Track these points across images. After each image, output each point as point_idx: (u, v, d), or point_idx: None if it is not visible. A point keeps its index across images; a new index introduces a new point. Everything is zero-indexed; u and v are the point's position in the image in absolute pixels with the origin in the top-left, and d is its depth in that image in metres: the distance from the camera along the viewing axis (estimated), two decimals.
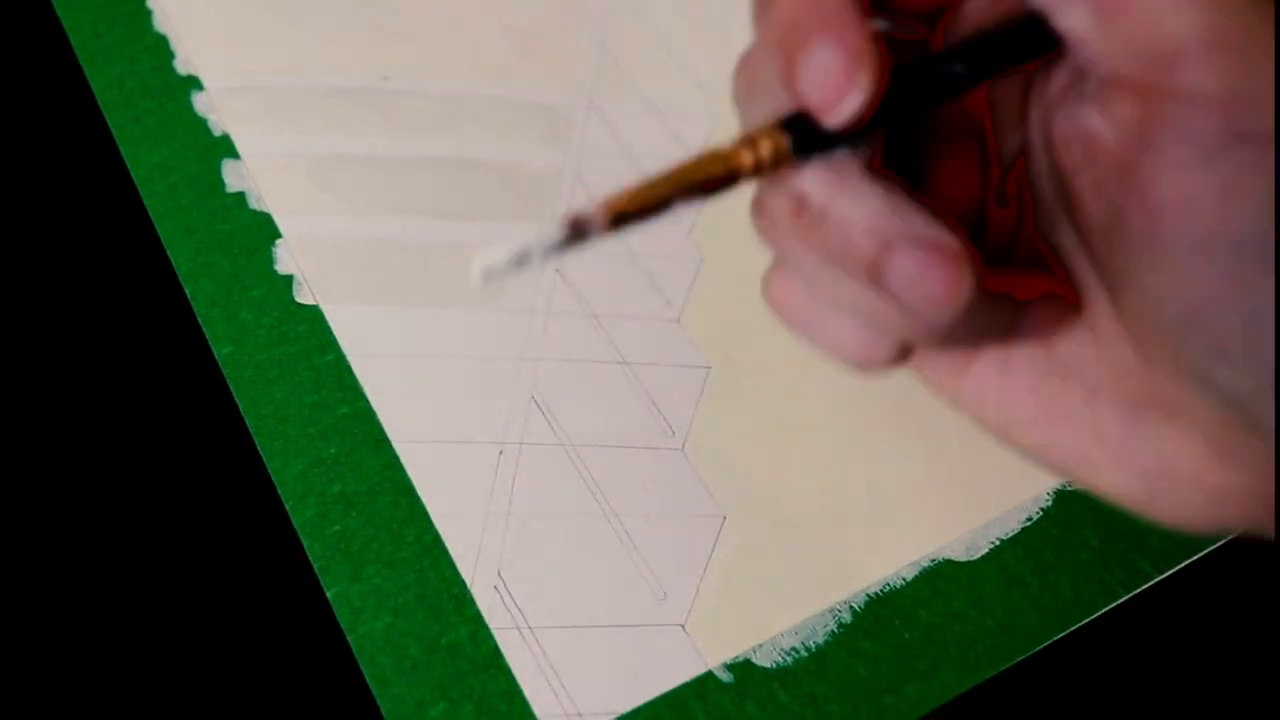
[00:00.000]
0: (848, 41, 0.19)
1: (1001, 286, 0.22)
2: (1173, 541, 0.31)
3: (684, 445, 0.32)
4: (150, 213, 0.35)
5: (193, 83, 0.38)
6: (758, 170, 0.21)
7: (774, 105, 0.21)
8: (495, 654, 0.29)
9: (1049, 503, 0.32)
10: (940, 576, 0.31)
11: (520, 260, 0.20)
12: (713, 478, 0.32)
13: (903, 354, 0.21)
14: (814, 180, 0.20)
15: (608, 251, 0.36)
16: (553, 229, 0.20)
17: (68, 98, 0.38)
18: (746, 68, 0.22)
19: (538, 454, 0.32)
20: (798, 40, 0.20)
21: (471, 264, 0.20)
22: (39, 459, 0.32)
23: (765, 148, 0.21)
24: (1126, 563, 0.31)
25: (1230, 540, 0.31)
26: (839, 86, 0.19)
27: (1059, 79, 0.20)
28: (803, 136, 0.20)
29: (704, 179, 0.21)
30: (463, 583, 0.30)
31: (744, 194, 0.31)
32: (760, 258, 0.32)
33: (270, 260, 0.35)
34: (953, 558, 0.31)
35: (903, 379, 0.33)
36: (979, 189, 0.23)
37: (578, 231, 0.20)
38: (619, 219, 0.20)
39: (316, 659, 0.29)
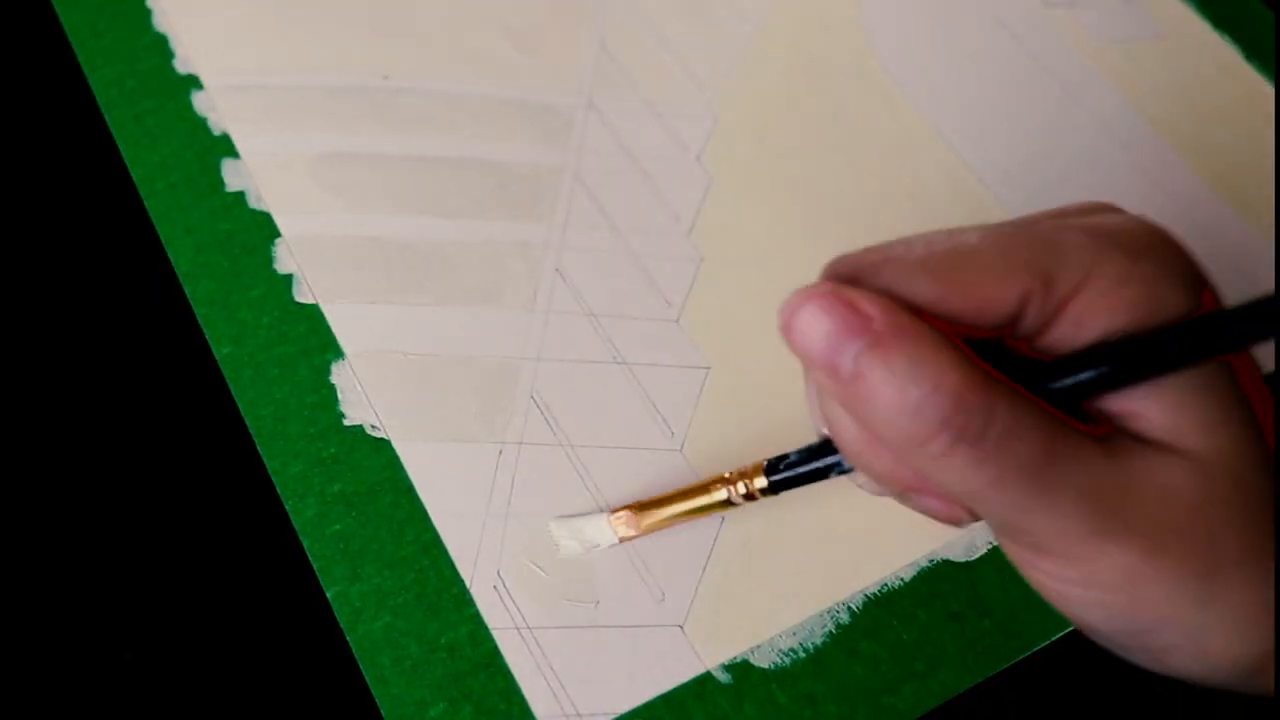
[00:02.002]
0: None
1: None
2: None
3: (683, 446, 0.32)
4: (150, 212, 0.35)
5: (192, 82, 0.38)
6: (747, 497, 0.28)
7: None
8: (495, 654, 0.29)
9: None
10: (938, 577, 0.31)
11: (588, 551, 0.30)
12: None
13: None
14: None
15: (607, 252, 0.36)
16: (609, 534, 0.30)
17: (67, 97, 0.38)
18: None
19: (537, 454, 0.32)
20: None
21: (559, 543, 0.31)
22: (38, 459, 0.32)
23: (753, 483, 0.28)
24: None
25: None
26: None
27: None
28: (778, 481, 0.27)
29: (706, 504, 0.29)
30: (462, 583, 0.30)
31: (743, 187, 0.32)
32: (760, 259, 0.32)
33: (270, 259, 0.35)
34: (951, 558, 0.31)
35: None
36: None
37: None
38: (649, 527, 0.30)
39: (316, 659, 0.29)
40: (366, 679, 0.29)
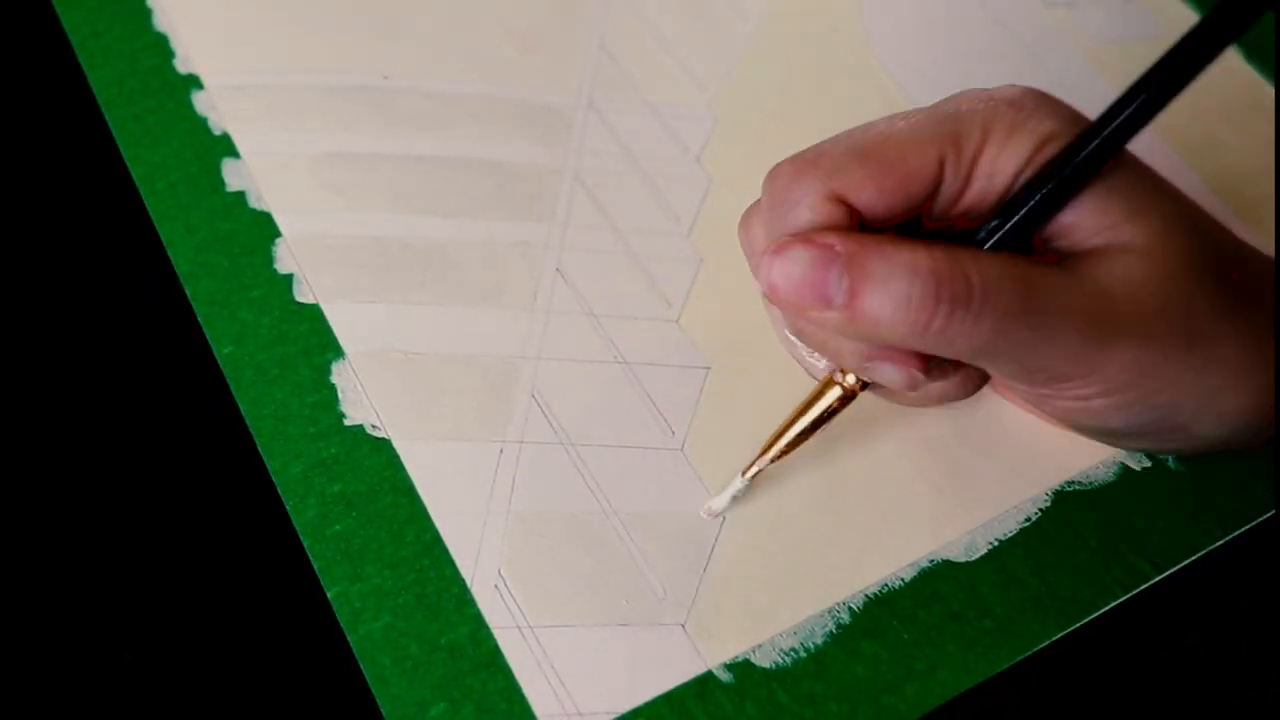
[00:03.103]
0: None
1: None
2: (1171, 541, 0.31)
3: (684, 445, 0.32)
4: (150, 212, 0.35)
5: (193, 81, 0.38)
6: (855, 393, 0.29)
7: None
8: (495, 653, 0.29)
9: (1048, 503, 0.32)
10: (939, 577, 0.31)
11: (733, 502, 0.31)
12: (713, 478, 0.32)
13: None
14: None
15: (607, 252, 0.36)
16: (740, 482, 0.30)
17: (67, 97, 0.38)
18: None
19: (538, 453, 0.32)
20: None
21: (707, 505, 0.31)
22: (39, 459, 0.32)
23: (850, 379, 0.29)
24: (1125, 563, 0.31)
25: (1229, 540, 0.32)
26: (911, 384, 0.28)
27: None
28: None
29: (825, 412, 0.30)
30: (463, 582, 0.30)
31: (743, 188, 0.32)
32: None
33: (270, 259, 0.35)
34: (951, 558, 0.31)
35: None
36: None
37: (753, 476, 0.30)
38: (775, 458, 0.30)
39: (316, 659, 0.29)
40: (367, 679, 0.29)
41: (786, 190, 0.27)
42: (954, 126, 0.26)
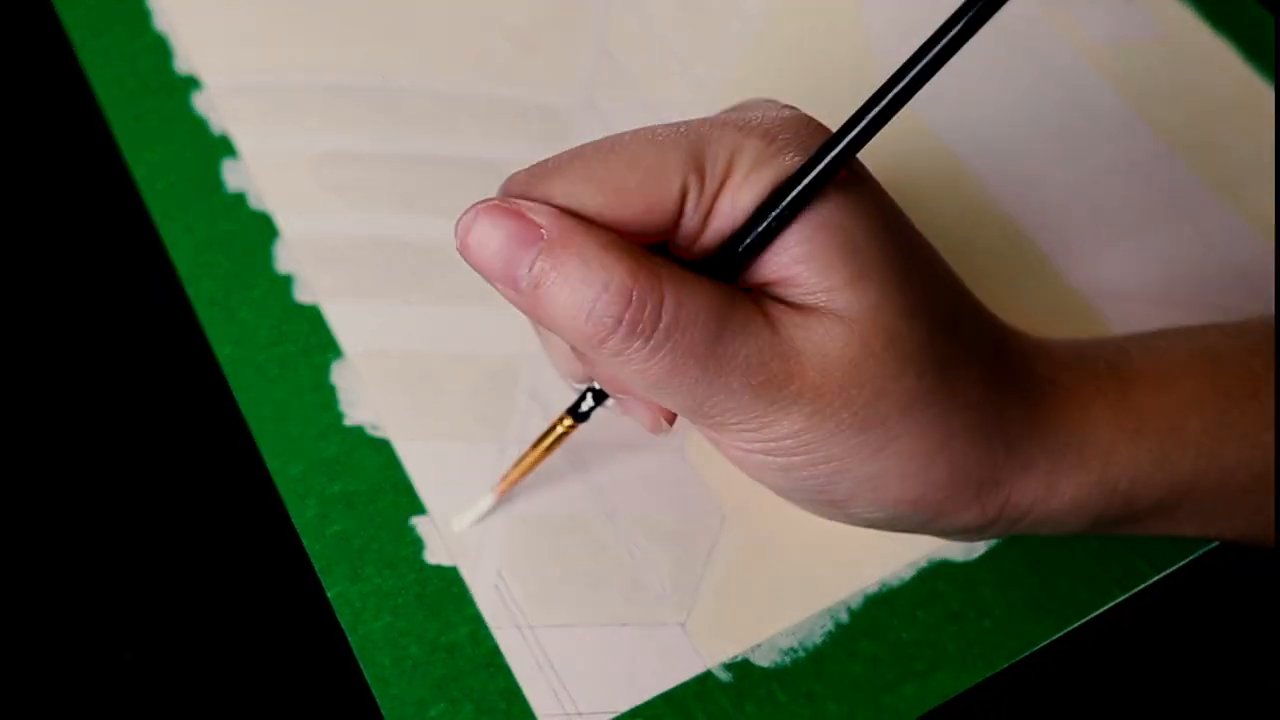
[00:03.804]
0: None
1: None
2: (1171, 542, 0.31)
3: (684, 445, 0.32)
4: (150, 212, 0.35)
5: (192, 82, 0.38)
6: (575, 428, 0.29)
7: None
8: (495, 653, 0.29)
9: None
10: (938, 577, 0.31)
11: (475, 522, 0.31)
12: (712, 478, 0.32)
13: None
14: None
15: None
16: (487, 502, 0.31)
17: (68, 97, 0.38)
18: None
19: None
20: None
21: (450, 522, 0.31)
22: (39, 458, 0.32)
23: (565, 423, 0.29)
24: (1124, 563, 0.31)
25: (1227, 542, 0.32)
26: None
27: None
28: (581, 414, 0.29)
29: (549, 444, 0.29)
30: (463, 582, 0.30)
31: None
32: None
33: (270, 259, 0.35)
34: (950, 558, 0.31)
35: None
36: None
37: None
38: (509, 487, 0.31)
39: (316, 659, 0.29)
40: (367, 679, 0.29)
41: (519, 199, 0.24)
42: (699, 157, 0.24)
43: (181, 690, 0.29)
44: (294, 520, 0.31)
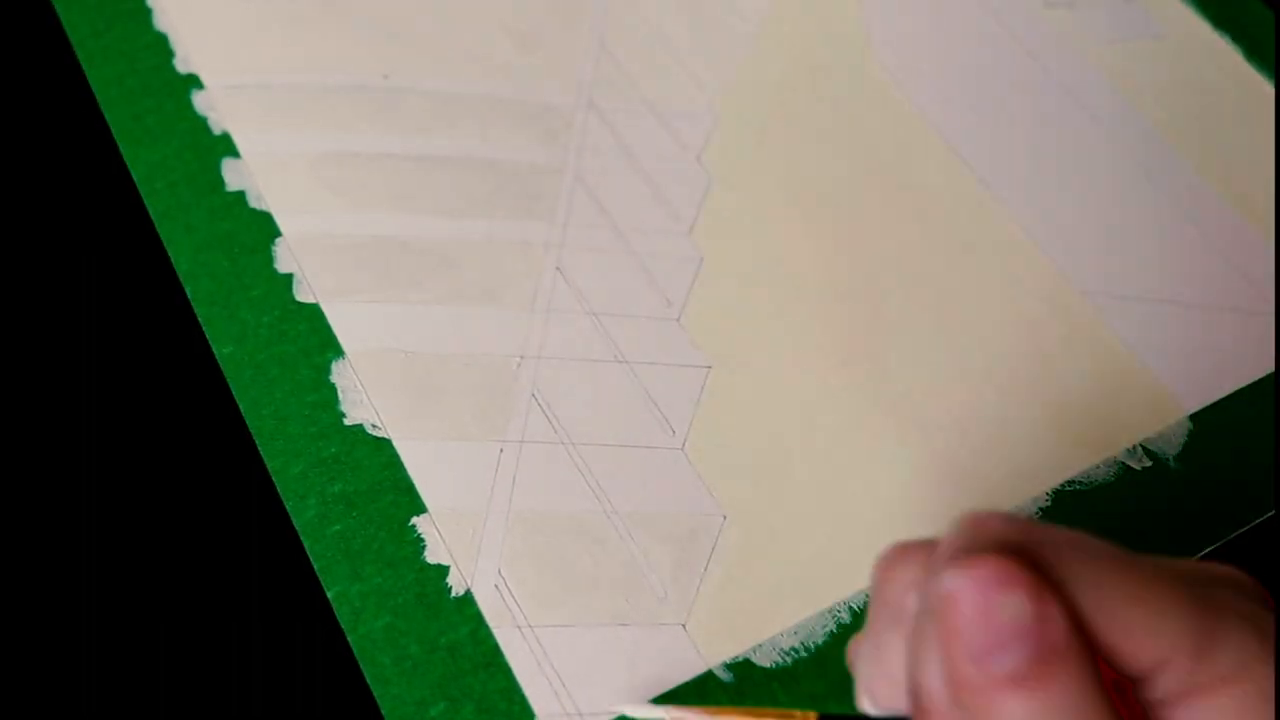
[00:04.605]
0: None
1: None
2: (1172, 542, 0.31)
3: (684, 445, 0.32)
4: (150, 212, 0.35)
5: (192, 81, 0.38)
6: None
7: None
8: (495, 653, 0.29)
9: (1047, 503, 0.32)
10: None
11: None
12: (713, 477, 0.32)
13: None
14: None
15: (608, 251, 0.36)
16: None
17: (67, 96, 0.38)
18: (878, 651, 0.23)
19: (538, 452, 0.32)
20: None
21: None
22: (39, 458, 0.32)
23: None
24: None
25: (1227, 541, 0.32)
26: None
27: None
28: None
29: None
30: (463, 582, 0.30)
31: (743, 187, 0.32)
32: (760, 259, 0.32)
33: (270, 259, 0.35)
34: None
35: (902, 383, 0.33)
36: None
37: None
38: None
39: (317, 659, 0.29)
40: (367, 679, 0.29)
41: (992, 538, 0.20)
42: (1210, 634, 0.20)
43: (181, 690, 0.29)
44: (294, 520, 0.31)
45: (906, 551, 0.22)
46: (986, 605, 0.18)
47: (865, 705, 0.23)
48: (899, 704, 0.22)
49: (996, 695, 0.18)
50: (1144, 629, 0.19)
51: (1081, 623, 0.19)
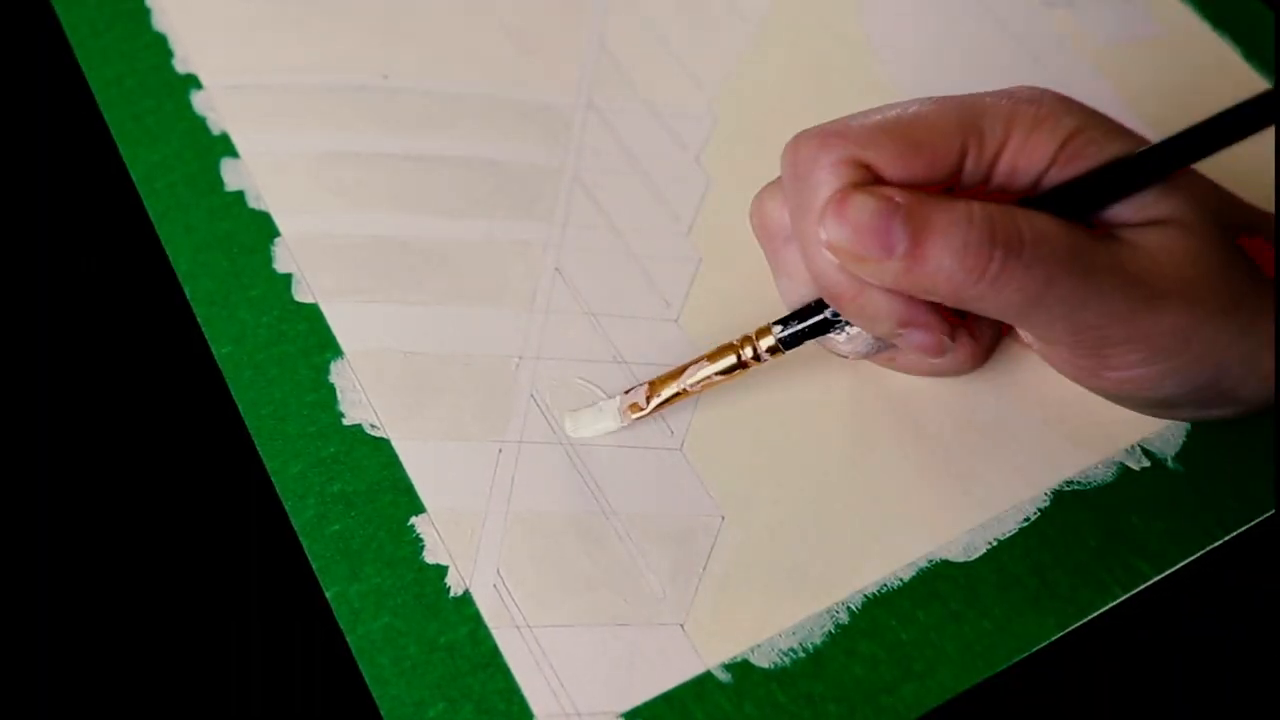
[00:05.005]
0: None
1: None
2: (1170, 542, 0.31)
3: (683, 445, 0.32)
4: (149, 212, 0.35)
5: (192, 81, 0.38)
6: (755, 358, 0.30)
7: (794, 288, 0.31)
8: (494, 653, 0.29)
9: (1046, 504, 0.32)
10: (937, 577, 0.31)
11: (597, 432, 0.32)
12: (712, 478, 0.32)
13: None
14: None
15: (607, 251, 0.36)
16: (611, 422, 0.31)
17: (66, 96, 0.38)
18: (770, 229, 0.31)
19: (537, 452, 0.32)
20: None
21: (565, 422, 0.32)
22: (38, 459, 0.32)
23: (764, 342, 0.30)
24: (1124, 563, 0.31)
25: (1228, 541, 0.32)
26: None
27: None
28: (791, 336, 0.30)
29: (721, 368, 0.31)
30: (462, 582, 0.30)
31: (743, 187, 0.32)
32: (760, 258, 0.32)
33: (269, 259, 0.35)
34: (950, 558, 0.31)
35: (901, 383, 0.33)
36: None
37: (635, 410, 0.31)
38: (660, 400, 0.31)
39: (316, 659, 0.29)
40: (366, 679, 0.29)
41: (813, 160, 0.27)
42: (976, 119, 0.27)
43: (181, 690, 0.29)
44: (293, 520, 0.31)
45: (768, 190, 0.31)
46: (860, 225, 0.26)
47: (787, 305, 0.31)
48: (810, 294, 0.30)
49: (913, 267, 0.26)
50: (931, 138, 0.27)
51: (872, 165, 0.27)
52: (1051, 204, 0.27)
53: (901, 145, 0.27)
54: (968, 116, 0.27)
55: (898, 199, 0.26)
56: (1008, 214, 0.26)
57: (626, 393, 0.32)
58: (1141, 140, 0.28)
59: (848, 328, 0.30)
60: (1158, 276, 0.27)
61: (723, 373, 0.31)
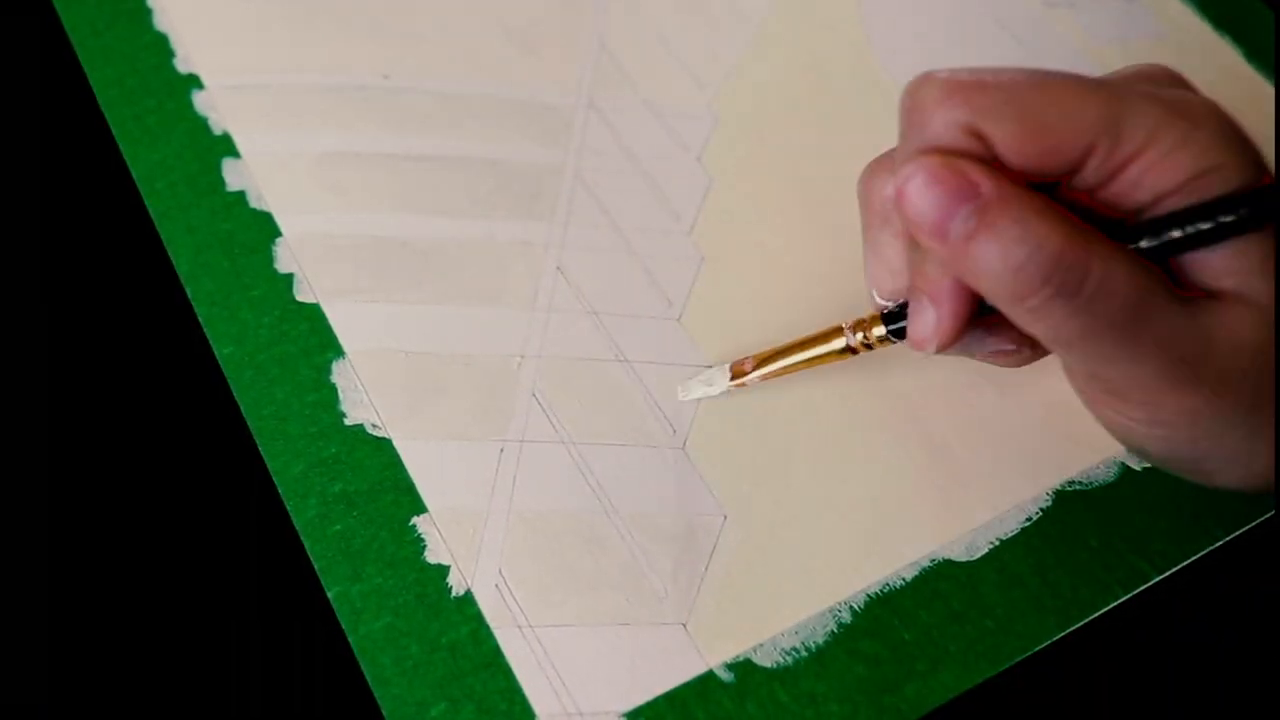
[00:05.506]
0: (948, 308, 0.27)
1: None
2: (1172, 542, 0.31)
3: (685, 444, 0.32)
4: (150, 212, 0.35)
5: (193, 81, 0.38)
6: (866, 346, 0.30)
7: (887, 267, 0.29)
8: (496, 653, 0.29)
9: (1048, 503, 0.32)
10: (940, 577, 0.31)
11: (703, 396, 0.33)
12: (714, 477, 0.32)
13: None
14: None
15: (608, 250, 0.36)
16: (722, 385, 0.33)
17: (67, 96, 0.38)
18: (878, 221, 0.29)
19: (538, 452, 0.32)
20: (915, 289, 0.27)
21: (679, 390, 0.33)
22: (38, 459, 0.32)
23: (872, 332, 0.30)
24: (1126, 563, 0.31)
25: (1229, 540, 0.32)
26: (929, 340, 0.27)
27: None
28: (900, 330, 0.29)
29: (824, 351, 0.31)
30: (464, 582, 0.30)
31: (743, 187, 0.32)
32: (760, 258, 0.32)
33: (270, 259, 0.35)
34: (952, 558, 0.31)
35: (903, 382, 0.33)
36: None
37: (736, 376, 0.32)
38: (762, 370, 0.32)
39: (317, 659, 0.29)
40: (367, 679, 0.29)
41: (929, 111, 0.25)
42: (1118, 118, 0.25)
43: (181, 690, 0.29)
44: (294, 520, 0.31)
45: (880, 164, 0.29)
46: (925, 198, 0.25)
47: (875, 298, 0.30)
48: (900, 288, 0.29)
49: (966, 252, 0.24)
50: (1062, 126, 0.24)
51: (1006, 155, 0.25)
52: (1141, 235, 0.25)
53: (1027, 128, 0.24)
54: (1110, 112, 0.25)
55: (983, 189, 0.24)
56: (1085, 253, 0.24)
57: (735, 364, 0.32)
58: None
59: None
60: (1204, 359, 0.25)
61: (831, 355, 0.31)
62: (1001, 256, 0.24)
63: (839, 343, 0.30)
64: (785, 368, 0.32)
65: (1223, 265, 0.25)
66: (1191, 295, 0.25)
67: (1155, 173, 0.25)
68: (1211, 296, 0.25)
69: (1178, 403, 0.25)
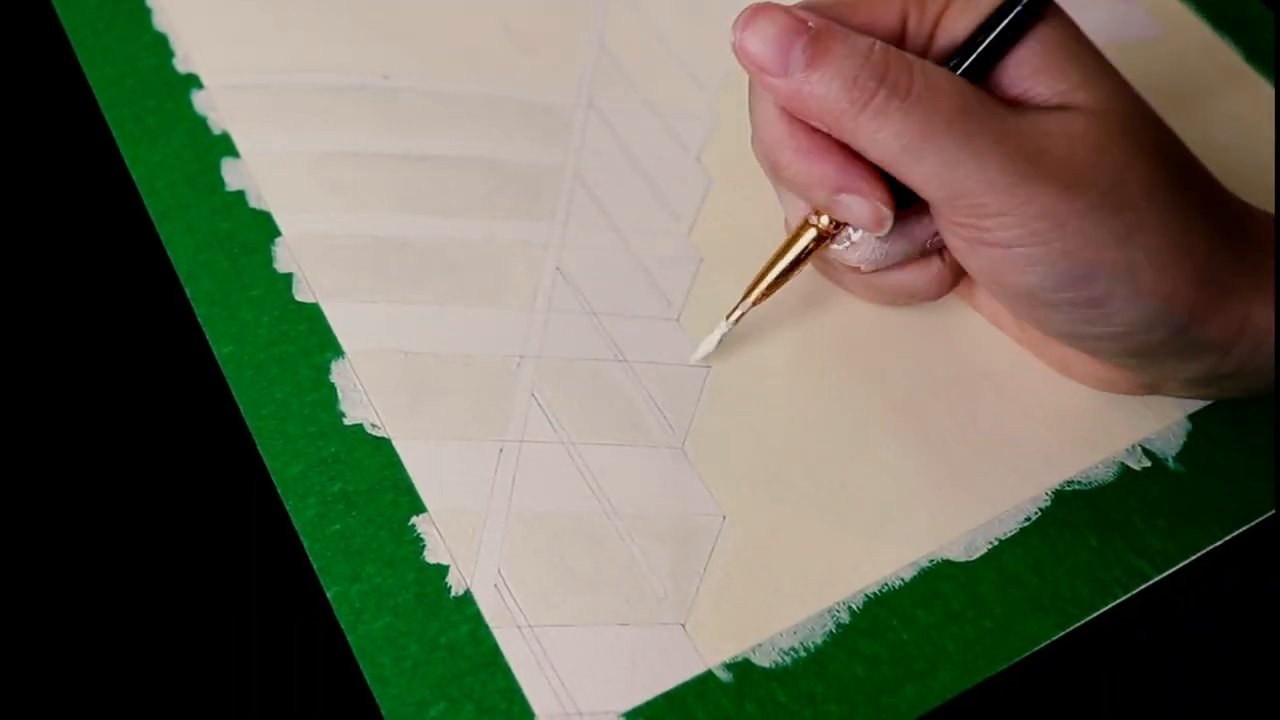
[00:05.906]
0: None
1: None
2: (1171, 542, 0.31)
3: (684, 444, 0.32)
4: (150, 212, 0.35)
5: (192, 81, 0.38)
6: (835, 227, 0.31)
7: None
8: (495, 653, 0.29)
9: (1047, 503, 0.32)
10: (938, 577, 0.31)
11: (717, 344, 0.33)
12: (713, 477, 0.32)
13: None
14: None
15: (608, 251, 0.36)
16: (724, 325, 0.33)
17: (67, 96, 0.38)
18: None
19: (538, 452, 0.32)
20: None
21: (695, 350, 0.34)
22: (38, 459, 0.32)
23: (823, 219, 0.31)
24: (1125, 563, 0.31)
25: (1229, 540, 0.32)
26: (877, 216, 0.30)
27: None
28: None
29: (800, 249, 0.32)
30: (463, 581, 0.30)
31: (743, 187, 0.32)
32: (760, 258, 0.32)
33: (270, 259, 0.35)
34: (951, 558, 0.31)
35: (902, 383, 0.33)
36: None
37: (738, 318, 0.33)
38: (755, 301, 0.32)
39: (317, 659, 0.29)
40: (367, 679, 0.29)
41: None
42: None
43: (182, 690, 0.29)
44: (294, 520, 0.31)
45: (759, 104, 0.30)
46: (763, 41, 0.28)
47: (792, 222, 0.32)
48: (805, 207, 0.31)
49: (804, 86, 0.28)
50: (857, 7, 0.29)
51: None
52: (955, 62, 0.28)
53: (841, 9, 0.28)
54: None
55: (810, 23, 0.28)
56: (907, 61, 0.27)
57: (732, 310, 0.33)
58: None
59: (851, 234, 0.31)
60: (1042, 152, 0.27)
61: (808, 250, 0.31)
62: (839, 71, 0.27)
63: (810, 233, 0.31)
64: (772, 283, 0.32)
65: (1048, 89, 0.28)
66: (1021, 106, 0.28)
67: (963, 21, 0.28)
68: (1040, 108, 0.28)
69: (1034, 203, 0.27)
